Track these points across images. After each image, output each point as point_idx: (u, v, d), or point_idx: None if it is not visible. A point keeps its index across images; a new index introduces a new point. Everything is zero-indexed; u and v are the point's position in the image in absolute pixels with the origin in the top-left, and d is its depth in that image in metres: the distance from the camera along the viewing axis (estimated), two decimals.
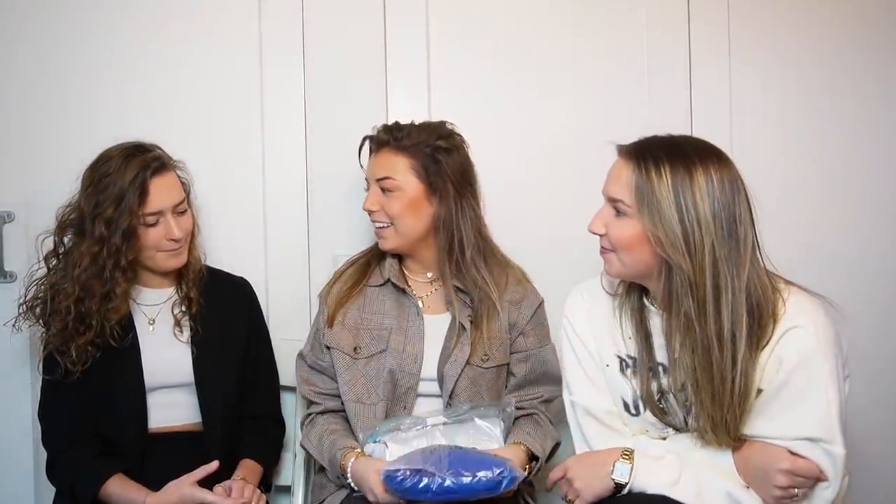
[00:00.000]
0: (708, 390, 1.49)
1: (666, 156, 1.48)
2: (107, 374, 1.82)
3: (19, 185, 2.09)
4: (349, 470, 1.75)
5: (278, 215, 2.19)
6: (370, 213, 1.90)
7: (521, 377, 1.90)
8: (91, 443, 1.84)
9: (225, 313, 1.95)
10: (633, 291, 1.64)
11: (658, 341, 1.61)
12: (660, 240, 1.47)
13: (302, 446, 1.94)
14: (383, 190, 1.87)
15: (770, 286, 1.52)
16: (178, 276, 1.94)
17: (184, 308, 1.91)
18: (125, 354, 1.83)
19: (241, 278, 2.04)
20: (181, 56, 2.17)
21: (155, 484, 1.76)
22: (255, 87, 2.17)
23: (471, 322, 1.87)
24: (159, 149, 1.89)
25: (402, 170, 1.86)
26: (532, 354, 1.90)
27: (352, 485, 1.75)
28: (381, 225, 1.89)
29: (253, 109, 2.18)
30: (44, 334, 1.85)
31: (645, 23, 2.21)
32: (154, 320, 1.91)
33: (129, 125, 2.10)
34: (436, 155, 1.87)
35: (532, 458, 1.78)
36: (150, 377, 1.85)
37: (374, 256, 1.97)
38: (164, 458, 1.82)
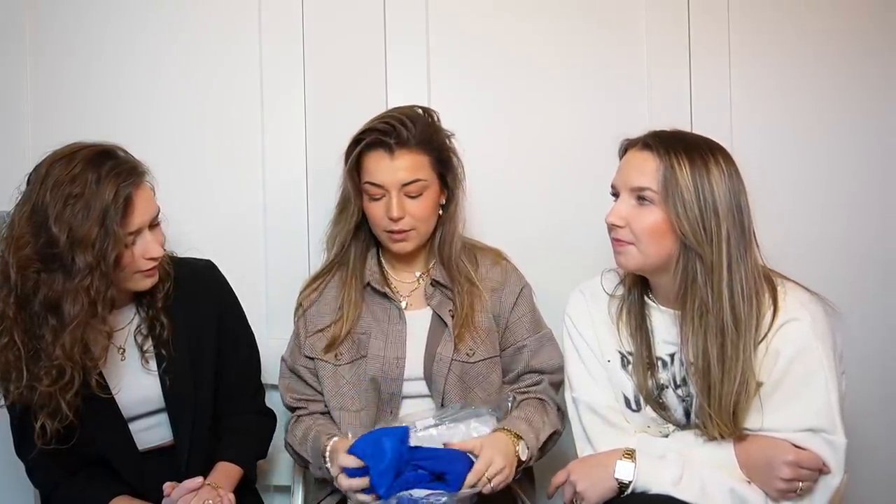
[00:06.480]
0: (718, 375, 1.50)
1: (683, 147, 1.53)
2: (83, 417, 1.61)
3: (19, 185, 2.10)
4: (328, 450, 1.68)
5: (278, 214, 2.19)
6: (395, 220, 1.76)
7: (516, 369, 1.84)
8: (83, 473, 1.72)
9: (195, 323, 1.77)
10: (636, 288, 1.65)
11: (659, 336, 1.62)
12: (683, 226, 1.50)
13: (287, 445, 1.87)
14: (407, 194, 1.76)
15: (765, 278, 1.55)
16: (136, 293, 1.73)
17: (147, 332, 1.73)
18: (98, 395, 1.64)
19: (206, 262, 1.86)
20: (181, 56, 2.18)
21: (153, 494, 1.69)
22: (255, 87, 2.18)
23: (452, 317, 1.82)
24: (121, 150, 1.64)
25: (427, 169, 1.79)
26: (524, 346, 1.83)
27: (329, 468, 1.67)
28: (404, 229, 1.78)
29: (253, 109, 2.18)
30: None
31: (645, 23, 2.21)
32: (123, 349, 1.73)
33: (130, 125, 2.12)
34: (443, 147, 1.83)
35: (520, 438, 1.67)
36: (126, 410, 1.72)
37: (343, 264, 1.89)
38: (158, 470, 1.73)
